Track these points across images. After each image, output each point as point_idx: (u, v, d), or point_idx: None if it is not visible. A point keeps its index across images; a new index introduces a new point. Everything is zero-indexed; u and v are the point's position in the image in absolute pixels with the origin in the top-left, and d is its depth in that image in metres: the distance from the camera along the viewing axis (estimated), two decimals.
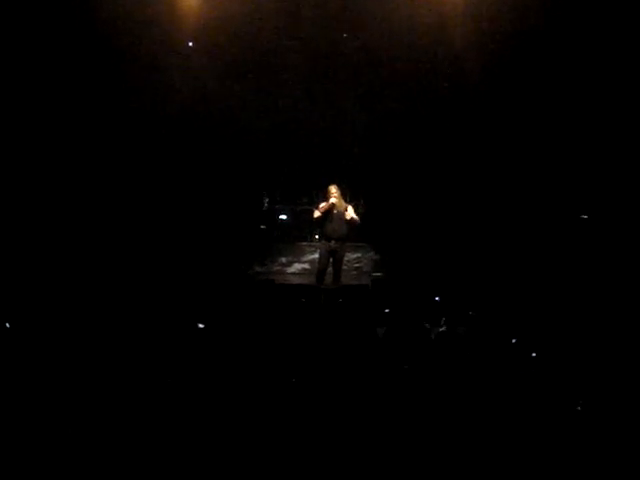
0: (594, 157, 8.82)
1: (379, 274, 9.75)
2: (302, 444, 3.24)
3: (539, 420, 3.47)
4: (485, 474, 3.12)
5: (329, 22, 9.45)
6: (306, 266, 9.86)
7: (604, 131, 8.72)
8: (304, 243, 10.31)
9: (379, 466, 3.11)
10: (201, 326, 5.08)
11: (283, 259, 10.00)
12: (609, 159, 8.73)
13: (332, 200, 7.78)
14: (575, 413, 3.55)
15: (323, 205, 7.85)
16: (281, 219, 10.85)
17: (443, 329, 5.33)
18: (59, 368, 3.98)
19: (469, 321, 5.49)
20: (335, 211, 7.79)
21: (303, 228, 10.57)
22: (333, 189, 7.87)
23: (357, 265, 9.95)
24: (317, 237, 9.86)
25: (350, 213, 7.84)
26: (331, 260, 7.93)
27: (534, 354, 4.44)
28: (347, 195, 8.88)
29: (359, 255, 10.01)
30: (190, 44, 9.41)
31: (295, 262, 9.97)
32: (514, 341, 4.74)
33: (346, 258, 8.48)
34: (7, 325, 4.72)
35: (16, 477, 2.99)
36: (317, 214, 7.90)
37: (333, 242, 7.83)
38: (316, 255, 8.78)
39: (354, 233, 8.46)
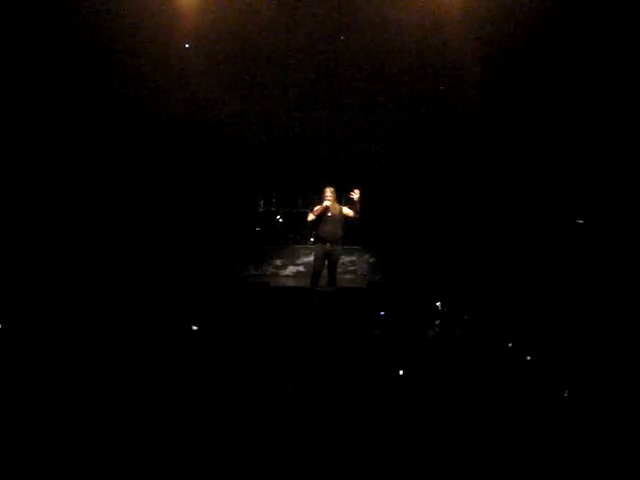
0: (589, 162, 8.84)
1: (374, 277, 9.74)
2: (298, 445, 3.21)
3: (534, 421, 3.46)
4: (480, 473, 3.11)
5: (327, 26, 9.44)
6: (301, 269, 9.84)
7: (600, 134, 8.74)
8: (299, 246, 10.30)
9: (375, 466, 3.09)
10: (195, 328, 5.06)
11: (278, 262, 9.98)
12: (604, 164, 8.75)
13: (326, 203, 7.77)
14: (569, 414, 3.54)
15: (317, 208, 7.85)
16: (276, 222, 10.85)
17: (437, 331, 5.32)
18: (53, 369, 3.95)
19: (465, 325, 5.48)
20: (329, 214, 7.77)
21: (298, 231, 10.57)
22: (328, 192, 7.86)
23: (352, 268, 9.94)
24: (312, 240, 9.86)
25: (346, 210, 7.85)
26: (326, 263, 7.91)
27: (528, 357, 4.43)
28: (342, 198, 8.89)
29: (354, 258, 10.01)
30: (187, 46, 9.38)
31: (290, 265, 9.96)
32: (510, 345, 4.73)
33: (341, 261, 8.47)
34: None
35: (15, 477, 2.96)
36: (311, 217, 7.89)
37: (328, 244, 7.81)
38: (311, 258, 8.77)
39: (349, 236, 8.45)
